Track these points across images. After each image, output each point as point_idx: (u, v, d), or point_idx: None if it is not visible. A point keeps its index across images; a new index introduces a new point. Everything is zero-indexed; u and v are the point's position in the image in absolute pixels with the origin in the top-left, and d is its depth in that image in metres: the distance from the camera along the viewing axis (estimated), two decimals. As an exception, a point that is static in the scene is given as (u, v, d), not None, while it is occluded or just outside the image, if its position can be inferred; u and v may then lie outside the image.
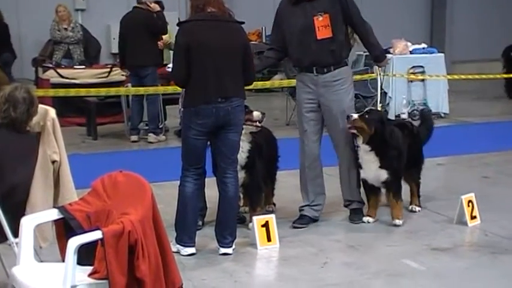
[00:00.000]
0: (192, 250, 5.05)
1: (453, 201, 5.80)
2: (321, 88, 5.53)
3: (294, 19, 5.46)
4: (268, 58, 5.85)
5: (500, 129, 9.83)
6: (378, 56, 5.80)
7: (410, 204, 6.02)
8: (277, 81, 11.39)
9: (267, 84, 11.53)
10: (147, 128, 9.63)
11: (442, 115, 11.05)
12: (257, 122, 5.45)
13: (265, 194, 5.93)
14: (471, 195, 5.67)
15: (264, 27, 15.36)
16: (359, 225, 5.70)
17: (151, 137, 9.38)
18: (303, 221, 5.69)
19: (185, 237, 5.03)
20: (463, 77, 11.63)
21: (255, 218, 5.26)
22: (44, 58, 11.25)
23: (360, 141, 5.54)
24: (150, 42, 9.28)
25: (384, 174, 5.56)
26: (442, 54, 11.57)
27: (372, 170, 5.57)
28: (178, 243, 5.02)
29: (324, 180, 5.79)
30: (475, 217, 5.63)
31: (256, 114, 5.42)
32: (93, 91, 9.30)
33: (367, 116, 5.50)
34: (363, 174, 5.64)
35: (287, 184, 6.47)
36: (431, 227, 5.62)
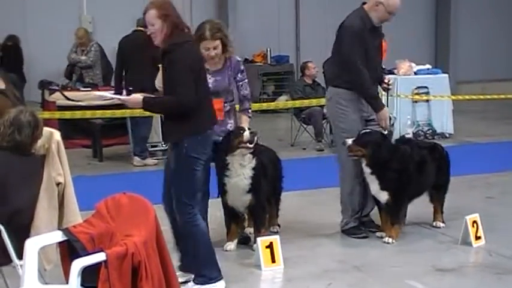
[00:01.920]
0: (223, 284, 4.68)
1: (458, 222, 5.80)
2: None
3: (373, 42, 5.81)
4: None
5: (505, 150, 9.81)
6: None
7: (434, 220, 6.10)
8: (282, 102, 11.43)
9: (272, 105, 11.59)
10: (158, 149, 9.72)
11: (447, 135, 11.05)
12: (248, 143, 5.28)
13: (269, 215, 5.92)
14: (476, 216, 5.66)
15: (269, 49, 15.42)
16: (363, 246, 5.69)
17: (136, 160, 9.25)
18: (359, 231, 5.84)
19: (215, 272, 4.67)
20: (467, 97, 11.66)
21: (259, 239, 5.26)
22: (68, 78, 11.36)
23: (363, 163, 5.64)
24: (150, 66, 8.81)
25: (384, 196, 5.63)
26: (446, 75, 11.61)
27: (374, 190, 5.68)
28: (208, 283, 4.63)
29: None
30: (479, 237, 5.62)
31: (246, 135, 5.29)
32: (98, 113, 9.35)
33: (361, 140, 5.57)
34: (371, 192, 5.76)
35: (292, 205, 6.48)
36: (435, 248, 5.61)
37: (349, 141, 5.57)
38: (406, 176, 5.68)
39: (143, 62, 8.93)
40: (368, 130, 5.66)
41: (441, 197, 6.13)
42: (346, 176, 5.83)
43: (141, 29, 9.15)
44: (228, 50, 5.31)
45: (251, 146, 5.30)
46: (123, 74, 9.28)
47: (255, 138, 5.31)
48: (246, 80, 5.54)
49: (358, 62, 5.63)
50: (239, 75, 5.46)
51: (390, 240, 5.65)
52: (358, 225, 5.90)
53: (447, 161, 6.15)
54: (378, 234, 5.82)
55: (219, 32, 5.23)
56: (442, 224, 6.09)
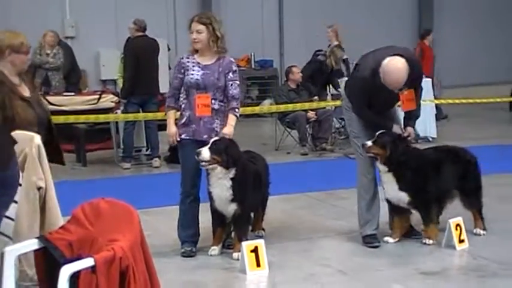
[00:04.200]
0: None
1: (441, 225, 5.82)
2: None
3: (382, 92, 5.50)
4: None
5: (487, 153, 9.83)
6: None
7: (475, 227, 5.99)
8: (266, 106, 11.43)
9: (256, 109, 11.60)
10: (142, 153, 9.80)
11: (430, 139, 11.11)
12: (202, 163, 5.24)
13: (255, 219, 5.91)
14: (459, 219, 5.68)
15: (253, 53, 15.45)
16: (348, 250, 5.70)
17: (158, 161, 9.49)
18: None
19: None
20: (450, 101, 11.72)
21: (244, 243, 5.24)
22: None
23: (377, 162, 5.65)
24: (157, 69, 9.61)
25: (405, 197, 5.64)
26: (429, 80, 11.67)
27: (393, 190, 5.66)
28: None
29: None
30: (463, 241, 5.64)
31: (200, 155, 5.23)
32: (82, 118, 9.27)
33: (379, 140, 5.58)
34: (386, 194, 5.74)
35: (276, 209, 6.47)
36: (419, 251, 5.62)
37: (369, 142, 5.57)
38: (426, 177, 5.66)
39: (155, 65, 9.45)
40: (382, 132, 5.60)
41: (475, 202, 6.00)
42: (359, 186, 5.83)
43: (146, 34, 9.33)
44: (217, 45, 5.38)
45: (203, 164, 5.22)
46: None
47: (205, 155, 5.18)
48: (237, 82, 5.50)
49: (357, 105, 5.65)
50: (230, 74, 5.44)
51: (431, 241, 5.67)
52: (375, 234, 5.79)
53: (472, 165, 6.11)
54: (385, 238, 5.79)
55: (207, 20, 5.36)
56: (482, 232, 5.95)
